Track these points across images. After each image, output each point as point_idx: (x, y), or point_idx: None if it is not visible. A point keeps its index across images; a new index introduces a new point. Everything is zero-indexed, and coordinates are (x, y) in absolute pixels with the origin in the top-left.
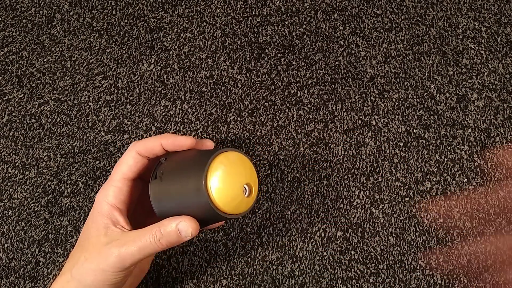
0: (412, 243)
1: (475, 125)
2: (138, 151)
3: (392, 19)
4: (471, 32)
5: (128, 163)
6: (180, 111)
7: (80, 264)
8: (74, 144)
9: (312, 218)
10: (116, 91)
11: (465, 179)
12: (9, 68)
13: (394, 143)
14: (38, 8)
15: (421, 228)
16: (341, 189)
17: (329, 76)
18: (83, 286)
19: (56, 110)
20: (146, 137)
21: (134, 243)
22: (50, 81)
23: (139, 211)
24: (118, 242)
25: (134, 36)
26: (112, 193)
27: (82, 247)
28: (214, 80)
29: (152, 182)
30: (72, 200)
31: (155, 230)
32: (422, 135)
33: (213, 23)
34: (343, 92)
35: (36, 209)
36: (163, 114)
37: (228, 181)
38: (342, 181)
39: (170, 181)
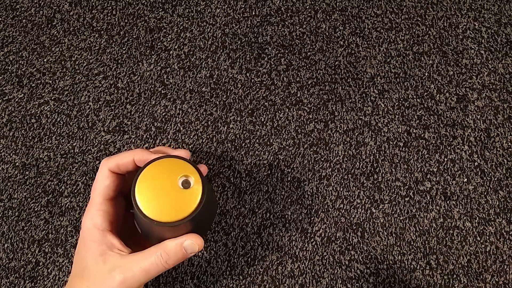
0: (412, 243)
1: (475, 125)
2: (110, 168)
3: (392, 19)
4: (471, 32)
5: (105, 184)
6: (180, 111)
7: None
8: (74, 144)
9: (312, 218)
10: (116, 91)
11: (465, 179)
12: (9, 68)
13: (394, 143)
14: (38, 8)
15: (421, 228)
16: (341, 189)
17: (329, 76)
18: None
19: (56, 110)
20: (146, 137)
21: (138, 267)
22: (50, 81)
23: (128, 225)
24: (121, 268)
25: (134, 36)
26: (99, 217)
27: (81, 277)
28: (214, 80)
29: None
30: (72, 200)
31: (159, 252)
32: (422, 135)
33: (213, 23)
34: (343, 92)
35: (36, 209)
36: (163, 114)
37: (156, 185)
38: (342, 181)
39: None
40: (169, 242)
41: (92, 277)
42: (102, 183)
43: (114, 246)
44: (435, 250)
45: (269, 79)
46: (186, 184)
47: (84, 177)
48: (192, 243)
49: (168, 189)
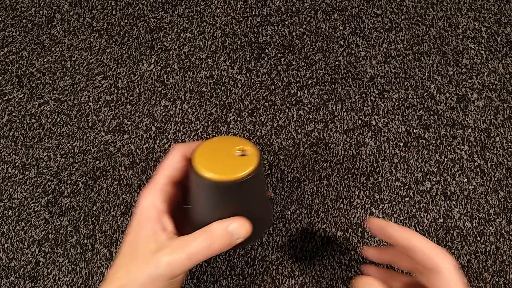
0: None
1: (475, 125)
2: (183, 154)
3: (392, 19)
4: (471, 32)
5: (175, 167)
6: (180, 111)
7: (132, 275)
8: (74, 144)
9: (312, 218)
10: (116, 91)
11: (465, 179)
12: (9, 68)
13: (394, 143)
14: (38, 8)
15: (421, 228)
16: (341, 189)
17: (329, 76)
18: None
19: (56, 110)
20: (146, 137)
21: (183, 250)
22: (50, 81)
23: (179, 219)
24: (167, 250)
25: (134, 36)
26: (160, 198)
27: (131, 255)
28: (214, 80)
29: None
30: (72, 200)
31: (204, 236)
32: (422, 135)
33: (213, 23)
34: (343, 92)
35: (36, 209)
36: (163, 114)
37: (214, 154)
38: (342, 181)
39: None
40: (215, 223)
41: (141, 258)
42: (172, 165)
43: (167, 228)
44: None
45: (269, 79)
46: (242, 153)
47: (84, 177)
48: (237, 226)
49: (225, 156)
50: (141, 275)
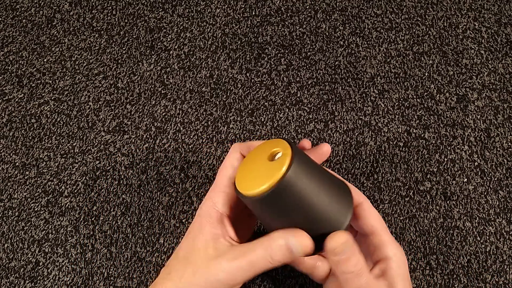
0: (412, 243)
1: (475, 125)
2: (242, 152)
3: (392, 19)
4: (471, 32)
5: (234, 166)
6: (180, 111)
7: (187, 279)
8: (74, 144)
9: None
10: (116, 91)
11: (465, 179)
12: (9, 68)
13: (394, 143)
14: (38, 8)
15: (421, 228)
16: None
17: (329, 76)
18: None
19: (56, 110)
20: (146, 137)
21: (245, 258)
22: (50, 81)
23: (241, 215)
24: (228, 257)
25: (134, 36)
26: (221, 200)
27: (188, 260)
28: (214, 80)
29: None
30: (72, 200)
31: (265, 246)
32: (422, 135)
33: (213, 23)
34: (343, 92)
35: (36, 209)
36: (163, 114)
37: (252, 165)
38: None
39: None
40: (274, 234)
41: (199, 262)
42: (231, 165)
43: (227, 234)
44: (435, 250)
45: (269, 79)
46: (272, 157)
47: (84, 177)
48: (296, 243)
49: (257, 165)
50: (198, 280)
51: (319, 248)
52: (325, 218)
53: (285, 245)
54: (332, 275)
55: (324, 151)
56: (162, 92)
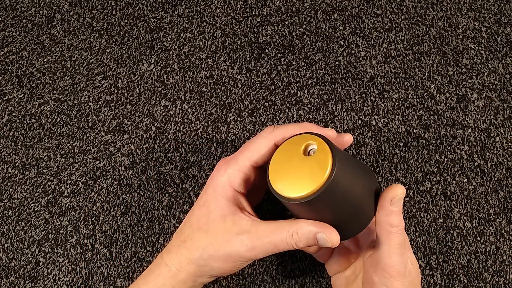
0: (412, 243)
1: (475, 125)
2: (276, 142)
3: (392, 19)
4: (471, 32)
5: (261, 152)
6: (180, 111)
7: (206, 250)
8: (74, 144)
9: None
10: (116, 91)
11: (465, 179)
12: (9, 68)
13: (394, 143)
14: (38, 8)
15: (421, 228)
16: None
17: (329, 76)
18: (207, 270)
19: (56, 110)
20: (146, 137)
21: (269, 240)
22: (50, 81)
23: (254, 197)
24: (251, 234)
25: (134, 36)
26: (239, 179)
27: (205, 231)
28: (214, 80)
29: None
30: (72, 200)
31: (292, 232)
32: (422, 135)
33: (213, 23)
34: (343, 92)
35: (36, 209)
36: (163, 114)
37: (286, 163)
38: None
39: None
40: (304, 224)
41: (219, 235)
42: (258, 150)
43: (245, 209)
44: (435, 250)
45: (269, 79)
46: (307, 151)
47: (84, 177)
48: (324, 238)
49: (293, 162)
50: (218, 252)
51: (342, 237)
52: (357, 211)
53: (313, 236)
54: (335, 253)
55: (345, 140)
56: (162, 92)
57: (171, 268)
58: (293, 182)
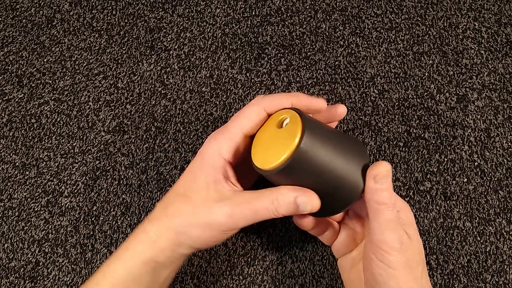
0: None
1: (475, 125)
2: (265, 108)
3: (392, 19)
4: (471, 32)
5: (251, 119)
6: (180, 111)
7: (185, 216)
8: (74, 144)
9: None
10: (116, 91)
11: (465, 179)
12: (9, 68)
13: (394, 143)
14: (38, 8)
15: (421, 228)
16: None
17: (329, 76)
18: (185, 238)
19: (56, 110)
20: (146, 137)
21: (249, 206)
22: (50, 81)
23: (244, 166)
24: (231, 202)
25: (134, 36)
26: (227, 147)
27: (187, 198)
28: (214, 80)
29: None
30: (72, 200)
31: (272, 198)
32: (422, 135)
33: (213, 23)
34: (343, 92)
35: (36, 209)
36: (163, 114)
37: (265, 135)
38: None
39: None
40: (284, 190)
41: (199, 202)
42: (248, 117)
43: (229, 179)
44: (435, 250)
45: (269, 79)
46: (281, 124)
47: (84, 177)
48: (304, 202)
49: (268, 135)
50: (197, 219)
51: (330, 211)
52: (339, 183)
53: (293, 201)
54: (341, 234)
55: (338, 111)
56: (162, 92)
57: (150, 235)
58: (269, 154)
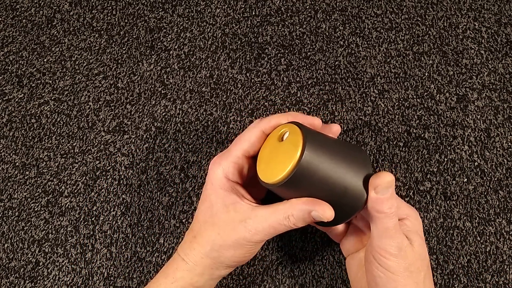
0: None
1: (475, 125)
2: (264, 130)
3: (392, 19)
4: (471, 32)
5: (251, 141)
6: (180, 111)
7: (215, 241)
8: (74, 144)
9: None
10: (116, 91)
11: (465, 179)
12: (9, 68)
13: (394, 143)
14: (38, 8)
15: None
16: None
17: (329, 76)
18: (221, 261)
19: (56, 110)
20: (146, 137)
21: (268, 223)
22: (50, 81)
23: (254, 185)
24: (253, 220)
25: (134, 36)
26: (232, 170)
27: (212, 224)
28: (214, 80)
29: None
30: (72, 200)
31: (288, 215)
32: (422, 135)
33: (213, 23)
34: (343, 92)
35: (36, 209)
36: (163, 114)
37: (268, 150)
38: None
39: None
40: (297, 206)
41: (224, 225)
42: (248, 140)
43: (245, 197)
44: (435, 250)
45: (269, 79)
46: (281, 138)
47: (84, 177)
48: (318, 215)
49: (271, 150)
50: (226, 241)
51: (339, 219)
52: (344, 193)
53: (307, 215)
54: (349, 233)
55: (333, 130)
56: (162, 92)
57: (188, 263)
58: (273, 168)
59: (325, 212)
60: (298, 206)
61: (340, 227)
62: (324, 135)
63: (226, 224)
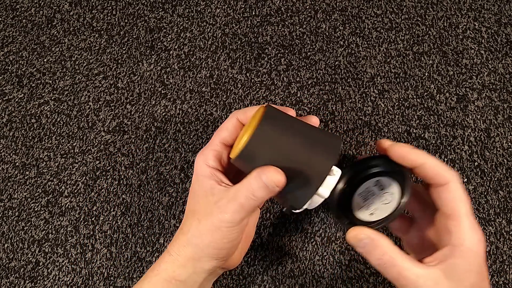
0: None
1: (475, 125)
2: (239, 118)
3: (392, 19)
4: (471, 32)
5: (228, 129)
6: (180, 111)
7: (194, 227)
8: (74, 144)
9: (312, 218)
10: (116, 91)
11: (465, 179)
12: (9, 68)
13: None
14: (38, 8)
15: None
16: None
17: (329, 76)
18: (201, 248)
19: (56, 110)
20: (146, 137)
21: (236, 201)
22: (50, 81)
23: (234, 172)
24: (224, 199)
25: (134, 36)
26: (212, 157)
27: (193, 212)
28: (214, 80)
29: None
30: (72, 200)
31: (247, 186)
32: (422, 135)
33: (213, 23)
34: (343, 92)
35: (36, 209)
36: (163, 114)
37: (239, 136)
38: None
39: None
40: (251, 174)
41: (202, 210)
42: (225, 128)
43: (222, 181)
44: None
45: (269, 79)
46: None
47: (84, 177)
48: (268, 180)
49: (241, 133)
50: (205, 226)
51: (300, 198)
52: (303, 168)
53: (261, 181)
54: (412, 229)
55: (312, 122)
56: (162, 92)
57: (171, 254)
58: (236, 144)
59: (273, 175)
60: (252, 175)
61: (404, 221)
62: (292, 116)
63: (204, 209)
